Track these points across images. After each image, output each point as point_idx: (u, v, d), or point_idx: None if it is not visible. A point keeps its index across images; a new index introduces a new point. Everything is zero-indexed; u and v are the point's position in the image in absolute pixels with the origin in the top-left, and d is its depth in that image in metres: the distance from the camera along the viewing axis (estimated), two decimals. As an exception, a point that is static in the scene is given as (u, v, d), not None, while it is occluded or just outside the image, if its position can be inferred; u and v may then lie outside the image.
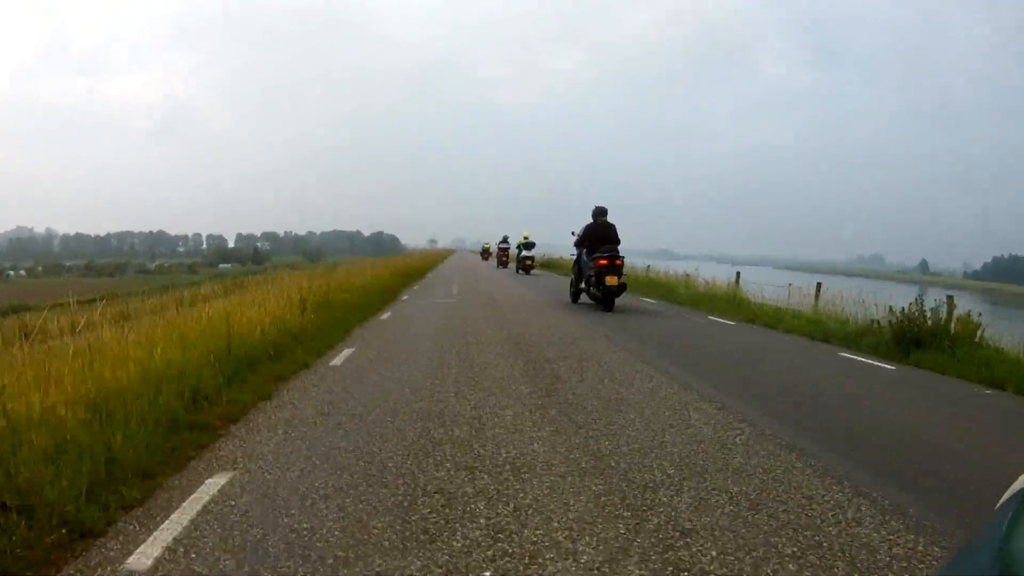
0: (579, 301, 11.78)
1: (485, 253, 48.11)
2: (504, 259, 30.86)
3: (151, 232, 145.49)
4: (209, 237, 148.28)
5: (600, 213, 11.33)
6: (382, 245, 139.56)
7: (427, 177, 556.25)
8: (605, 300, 10.55)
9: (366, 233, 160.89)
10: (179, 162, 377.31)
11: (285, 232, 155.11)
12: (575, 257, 11.98)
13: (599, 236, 11.03)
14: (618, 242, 11.04)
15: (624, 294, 10.93)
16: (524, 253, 25.33)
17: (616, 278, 10.46)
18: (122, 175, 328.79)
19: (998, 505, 0.70)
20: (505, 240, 31.81)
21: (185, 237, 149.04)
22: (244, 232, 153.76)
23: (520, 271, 25.17)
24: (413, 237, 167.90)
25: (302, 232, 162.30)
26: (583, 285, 11.33)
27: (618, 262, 10.53)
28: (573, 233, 11.76)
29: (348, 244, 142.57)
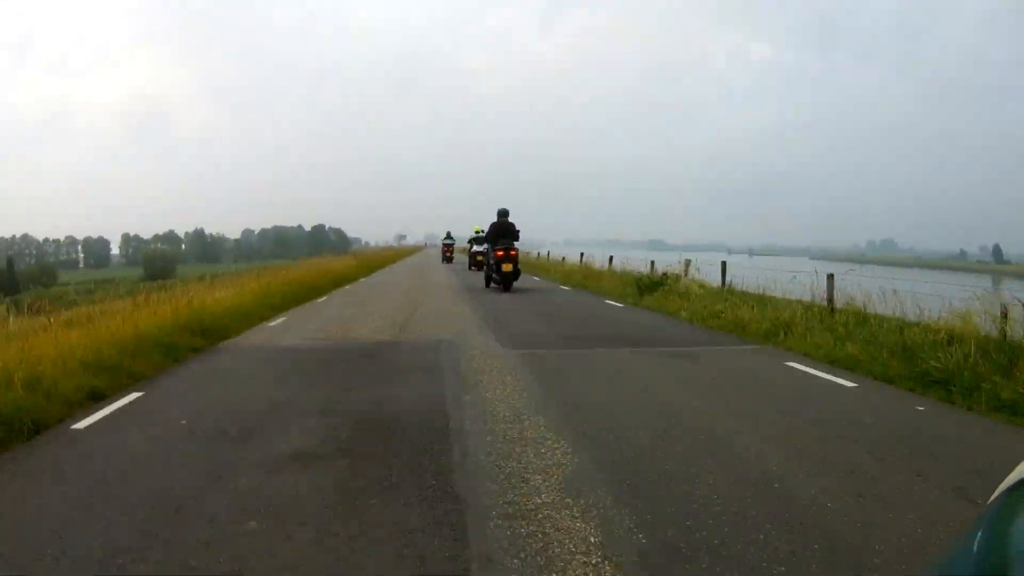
0: (490, 285, 19.91)
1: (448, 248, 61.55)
2: (448, 255, 43.00)
3: (13, 237, 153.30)
4: (87, 241, 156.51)
5: (503, 214, 19.34)
6: (324, 242, 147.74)
7: (400, 173, 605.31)
8: (503, 283, 18.62)
9: (308, 227, 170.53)
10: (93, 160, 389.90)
11: (195, 231, 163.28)
12: (486, 250, 20.22)
13: (501, 232, 19.08)
14: (516, 237, 19.09)
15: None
16: (475, 248, 29.61)
17: (511, 266, 18.49)
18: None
19: (992, 498, 0.91)
20: (449, 236, 44.80)
21: (57, 241, 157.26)
22: (142, 233, 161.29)
23: (472, 268, 30.00)
24: (377, 233, 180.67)
25: (236, 233, 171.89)
26: (490, 272, 19.53)
27: (512, 252, 18.55)
28: (481, 231, 19.96)
29: (273, 243, 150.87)
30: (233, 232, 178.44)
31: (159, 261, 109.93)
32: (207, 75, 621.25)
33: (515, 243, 18.88)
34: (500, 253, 18.59)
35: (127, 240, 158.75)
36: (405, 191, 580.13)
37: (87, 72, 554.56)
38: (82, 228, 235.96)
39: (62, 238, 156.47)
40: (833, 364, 8.06)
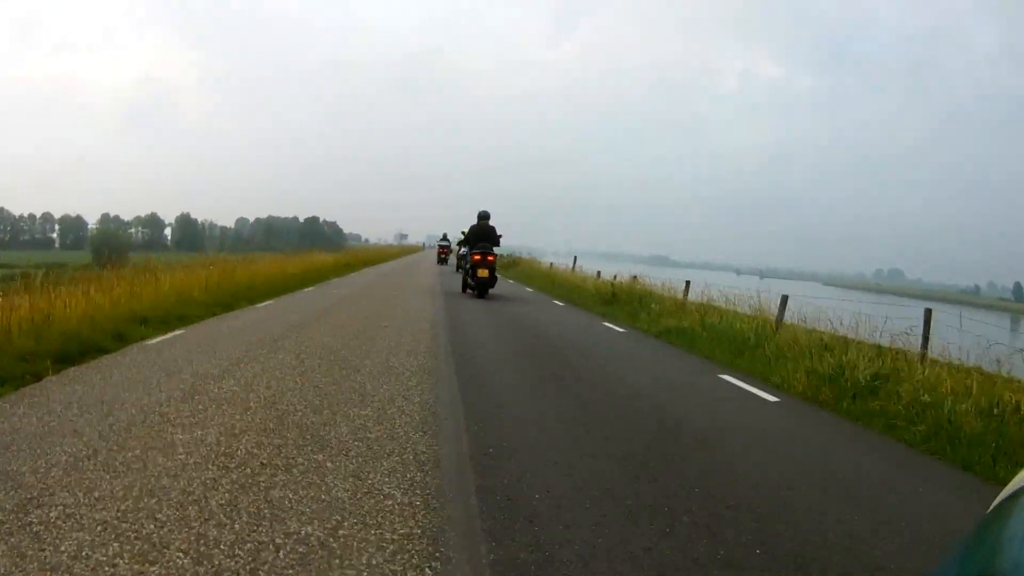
0: (466, 291, 19.43)
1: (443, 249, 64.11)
2: (443, 255, 47.12)
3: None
4: (63, 219, 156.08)
5: (483, 216, 18.68)
6: (317, 235, 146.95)
7: (406, 172, 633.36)
8: (477, 289, 17.96)
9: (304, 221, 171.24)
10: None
11: (182, 215, 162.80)
12: (465, 253, 19.86)
13: (480, 235, 18.44)
14: (496, 242, 18.63)
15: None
16: (463, 251, 32.56)
17: (487, 271, 17.77)
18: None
19: (993, 505, 0.96)
20: (444, 237, 50.08)
21: (32, 217, 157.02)
22: (124, 215, 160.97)
23: (459, 270, 30.95)
24: (381, 231, 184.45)
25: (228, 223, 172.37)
26: (466, 276, 19.12)
27: (490, 258, 17.81)
28: (462, 233, 19.61)
29: (264, 234, 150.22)
30: (229, 221, 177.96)
31: (105, 245, 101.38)
32: (210, 65, 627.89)
33: (494, 248, 18.49)
34: (477, 257, 18.10)
35: (106, 221, 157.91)
36: (410, 191, 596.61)
37: (89, 52, 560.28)
38: (75, 208, 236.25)
39: (39, 214, 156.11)
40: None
